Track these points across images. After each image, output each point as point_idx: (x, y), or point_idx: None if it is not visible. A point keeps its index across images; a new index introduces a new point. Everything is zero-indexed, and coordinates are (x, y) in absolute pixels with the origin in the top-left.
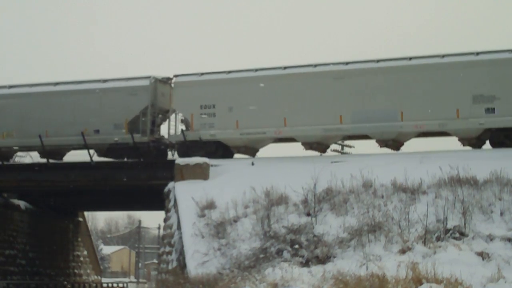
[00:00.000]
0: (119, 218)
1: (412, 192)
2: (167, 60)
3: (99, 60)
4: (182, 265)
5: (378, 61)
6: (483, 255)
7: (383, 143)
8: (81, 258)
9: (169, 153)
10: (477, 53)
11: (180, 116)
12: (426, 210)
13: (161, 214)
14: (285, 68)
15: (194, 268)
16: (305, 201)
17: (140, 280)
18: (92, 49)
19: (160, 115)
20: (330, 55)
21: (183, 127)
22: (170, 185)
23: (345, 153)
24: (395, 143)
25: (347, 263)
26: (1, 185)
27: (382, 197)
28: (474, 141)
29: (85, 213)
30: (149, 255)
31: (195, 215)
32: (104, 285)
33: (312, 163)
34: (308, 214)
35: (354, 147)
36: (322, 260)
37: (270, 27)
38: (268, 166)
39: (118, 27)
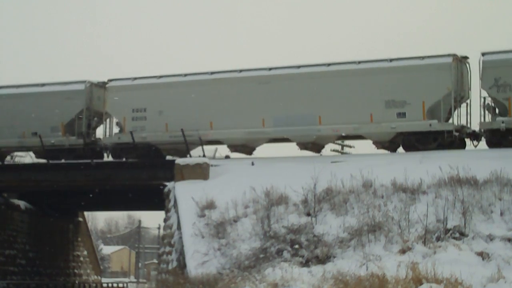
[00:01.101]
0: (119, 218)
1: (412, 192)
2: (166, 60)
3: (99, 60)
4: (182, 265)
5: (299, 67)
6: (483, 255)
7: (303, 146)
8: (81, 258)
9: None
10: (390, 60)
11: (114, 119)
12: (426, 210)
13: (161, 214)
14: (212, 73)
15: (194, 268)
16: (305, 201)
17: (140, 280)
18: (92, 49)
19: (95, 118)
20: (330, 55)
21: (118, 130)
22: (170, 185)
23: (345, 153)
24: (315, 146)
25: (347, 263)
26: (1, 185)
27: (382, 197)
28: (388, 144)
29: (85, 213)
30: (149, 255)
31: (195, 215)
32: (104, 285)
33: (312, 163)
34: (308, 214)
35: (354, 147)
36: (322, 260)
37: (269, 27)
38: (268, 166)
39: (118, 27)
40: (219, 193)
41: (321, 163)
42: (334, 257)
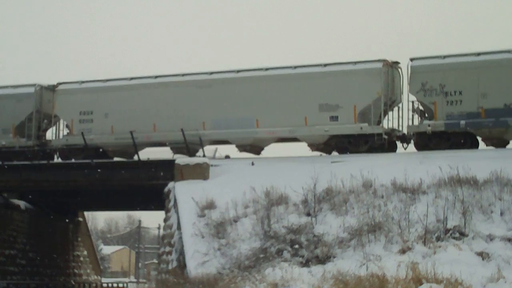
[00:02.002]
0: (119, 218)
1: (412, 192)
2: (166, 60)
3: (99, 61)
4: (182, 265)
5: (238, 71)
6: (483, 255)
7: (242, 148)
8: (81, 258)
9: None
10: (325, 65)
11: (63, 121)
12: (426, 210)
13: (161, 214)
14: (156, 77)
15: (194, 268)
16: (305, 201)
17: (140, 280)
18: (91, 49)
19: (45, 121)
20: (330, 55)
21: (66, 132)
22: (170, 185)
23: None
24: (253, 148)
25: (347, 263)
26: (1, 185)
27: (382, 197)
28: (322, 147)
29: (85, 213)
30: (149, 255)
31: (195, 215)
32: (104, 285)
33: (312, 163)
34: (308, 214)
35: None
36: (322, 260)
37: (270, 27)
38: (268, 166)
39: (118, 26)
40: (219, 193)
41: (321, 163)
42: (334, 257)
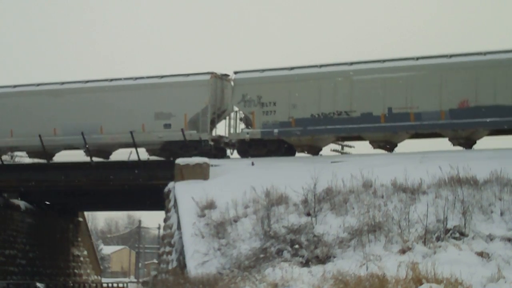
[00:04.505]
0: (119, 218)
1: (412, 192)
2: (166, 60)
3: (99, 60)
4: (182, 265)
5: (86, 81)
6: (483, 255)
7: (88, 153)
8: (81, 258)
9: None
10: (162, 76)
11: None
12: (426, 210)
13: (161, 214)
14: (15, 86)
15: (194, 268)
16: (305, 201)
17: (140, 280)
18: (92, 49)
19: None
20: (330, 55)
21: None
22: (170, 185)
23: (345, 153)
24: (100, 153)
25: (347, 263)
26: (1, 185)
27: (382, 197)
28: (158, 152)
29: (85, 213)
30: (149, 255)
31: (195, 215)
32: (104, 285)
33: (312, 163)
34: (308, 214)
35: (354, 147)
36: (322, 260)
37: (269, 27)
38: (268, 166)
39: (119, 26)
40: (219, 193)
41: (321, 163)
42: (334, 257)
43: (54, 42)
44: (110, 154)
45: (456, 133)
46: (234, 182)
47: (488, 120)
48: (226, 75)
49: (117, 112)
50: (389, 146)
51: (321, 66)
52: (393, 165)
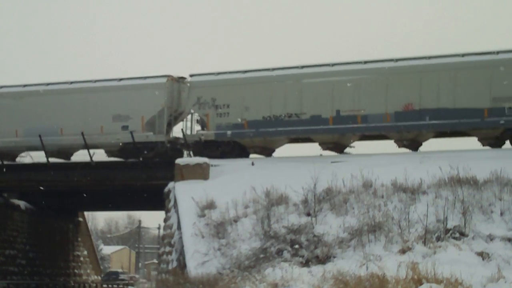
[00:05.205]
0: (119, 218)
1: (412, 192)
2: (166, 60)
3: (99, 60)
4: (182, 265)
5: (48, 84)
6: (483, 255)
7: (51, 153)
8: (81, 258)
9: None
10: (120, 79)
11: None
12: (426, 210)
13: (161, 214)
14: None
15: (194, 268)
16: (305, 201)
17: (140, 280)
18: (92, 49)
19: None
20: (330, 55)
21: None
22: (170, 185)
23: (345, 153)
24: (61, 154)
25: (347, 263)
26: (1, 185)
27: (382, 197)
28: (117, 154)
29: (85, 213)
30: (149, 255)
31: (195, 215)
32: (104, 285)
33: (312, 163)
34: (308, 214)
35: (354, 147)
36: (322, 260)
37: (270, 27)
38: (268, 166)
39: (119, 26)
40: (219, 193)
41: (322, 163)
42: (334, 257)
43: (54, 42)
44: (71, 155)
45: (402, 135)
46: (234, 182)
47: (431, 122)
48: (183, 78)
49: (76, 114)
50: (339, 148)
51: (273, 69)
52: (393, 165)
